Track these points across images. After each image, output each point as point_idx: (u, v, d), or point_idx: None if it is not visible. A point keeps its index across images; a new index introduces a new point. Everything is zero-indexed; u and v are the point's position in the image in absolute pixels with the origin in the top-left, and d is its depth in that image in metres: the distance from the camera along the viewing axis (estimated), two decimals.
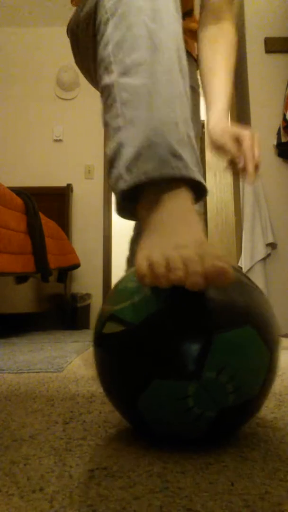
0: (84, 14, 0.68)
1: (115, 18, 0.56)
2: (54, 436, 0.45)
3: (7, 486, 0.33)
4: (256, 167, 0.74)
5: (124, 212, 0.53)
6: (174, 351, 0.37)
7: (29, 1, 3.11)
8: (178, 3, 0.60)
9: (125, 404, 0.41)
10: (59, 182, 3.12)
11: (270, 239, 2.20)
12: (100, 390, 0.69)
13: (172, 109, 0.50)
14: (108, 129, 0.54)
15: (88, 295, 2.86)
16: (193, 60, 1.03)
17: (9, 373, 0.87)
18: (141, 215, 0.50)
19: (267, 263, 2.22)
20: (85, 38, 0.71)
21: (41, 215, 2.23)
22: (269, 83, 2.41)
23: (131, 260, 1.04)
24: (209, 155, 2.51)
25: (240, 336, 0.37)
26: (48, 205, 2.89)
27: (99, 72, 0.58)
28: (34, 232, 2.06)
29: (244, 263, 2.09)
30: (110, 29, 0.56)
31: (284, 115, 2.21)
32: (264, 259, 2.17)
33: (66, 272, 2.69)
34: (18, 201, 2.00)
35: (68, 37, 0.82)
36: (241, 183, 2.22)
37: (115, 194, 0.51)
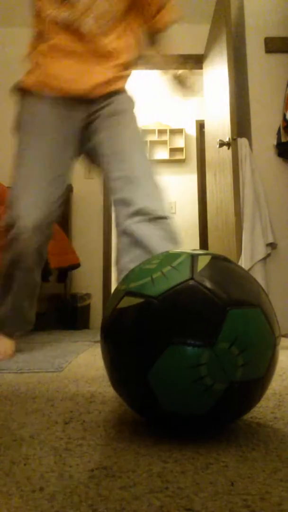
0: None
1: None
2: (54, 436, 0.45)
3: (7, 486, 0.33)
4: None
5: None
6: (191, 319, 0.40)
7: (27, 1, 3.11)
8: None
9: (134, 378, 0.42)
10: None
11: (270, 239, 2.20)
12: (100, 390, 0.69)
13: None
14: None
15: (88, 295, 2.86)
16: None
17: (9, 373, 0.87)
18: None
19: (267, 263, 2.22)
20: None
21: None
22: (269, 83, 2.40)
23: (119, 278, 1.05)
24: (209, 155, 2.51)
25: (252, 315, 0.42)
26: None
27: None
28: None
29: (244, 263, 2.09)
30: None
31: (284, 115, 2.21)
32: (264, 259, 2.17)
33: (66, 272, 2.69)
34: None
35: None
36: (241, 183, 2.21)
37: None
